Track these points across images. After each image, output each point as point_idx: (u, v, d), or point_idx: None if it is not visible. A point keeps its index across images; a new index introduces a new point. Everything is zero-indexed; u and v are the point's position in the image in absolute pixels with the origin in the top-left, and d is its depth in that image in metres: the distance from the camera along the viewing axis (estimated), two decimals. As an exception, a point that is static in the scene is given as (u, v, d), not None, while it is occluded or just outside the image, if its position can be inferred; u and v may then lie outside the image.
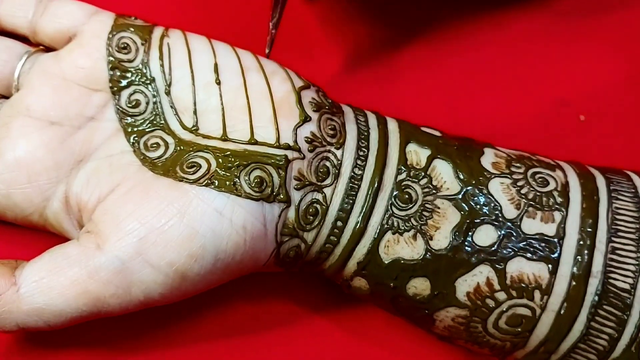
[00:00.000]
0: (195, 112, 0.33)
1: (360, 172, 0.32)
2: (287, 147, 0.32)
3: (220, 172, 0.31)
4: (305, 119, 0.32)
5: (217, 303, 0.36)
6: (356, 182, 0.32)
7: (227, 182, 0.31)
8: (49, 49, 0.35)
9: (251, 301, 0.37)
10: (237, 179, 0.31)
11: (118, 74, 0.33)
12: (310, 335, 0.37)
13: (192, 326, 0.36)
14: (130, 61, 0.33)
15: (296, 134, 0.32)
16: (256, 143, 0.32)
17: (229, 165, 0.31)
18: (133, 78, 0.33)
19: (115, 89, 0.33)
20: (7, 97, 0.35)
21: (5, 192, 0.32)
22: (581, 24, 0.43)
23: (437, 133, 0.34)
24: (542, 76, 0.42)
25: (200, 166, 0.31)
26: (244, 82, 0.33)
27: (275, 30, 0.34)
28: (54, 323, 0.30)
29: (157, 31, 0.34)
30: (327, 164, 0.32)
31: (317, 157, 0.32)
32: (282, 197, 0.31)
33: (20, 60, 0.34)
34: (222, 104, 0.33)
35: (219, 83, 0.33)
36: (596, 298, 0.30)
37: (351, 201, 0.32)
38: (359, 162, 0.32)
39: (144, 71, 0.33)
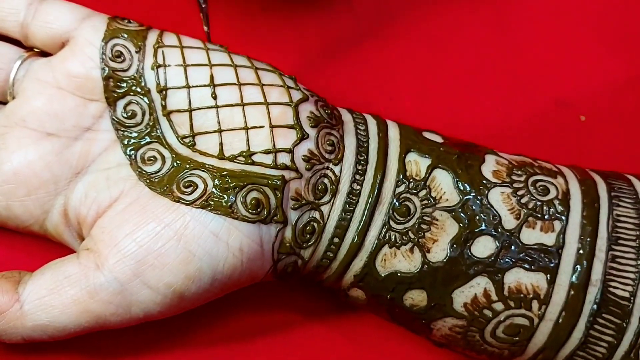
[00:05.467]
0: (191, 127, 0.32)
1: (358, 187, 0.32)
2: (284, 167, 0.31)
3: (216, 193, 0.31)
4: (303, 136, 0.32)
5: (216, 308, 0.36)
6: (354, 198, 0.32)
7: (224, 204, 0.31)
8: (43, 51, 0.35)
9: (250, 305, 0.37)
10: (233, 201, 0.31)
11: (112, 83, 0.33)
12: (309, 339, 0.37)
13: (192, 331, 0.36)
14: (124, 70, 0.33)
15: (293, 152, 0.32)
16: (253, 163, 0.31)
17: (226, 186, 0.31)
18: (128, 88, 0.33)
19: (111, 99, 0.33)
20: (4, 103, 0.34)
21: (5, 204, 0.32)
22: (581, 24, 0.43)
23: (439, 139, 0.34)
24: (542, 76, 0.42)
25: (196, 186, 0.31)
26: (241, 98, 0.32)
27: (206, 4, 0.32)
28: (57, 336, 0.31)
29: (151, 37, 0.33)
30: (325, 181, 0.32)
31: (315, 175, 0.32)
32: (278, 217, 0.31)
33: (14, 66, 0.34)
34: (218, 120, 0.32)
35: (215, 97, 0.32)
36: (595, 307, 0.30)
37: (348, 217, 0.32)
38: (357, 176, 0.32)
39: (139, 81, 0.33)
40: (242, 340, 0.36)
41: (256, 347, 0.36)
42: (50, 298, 0.30)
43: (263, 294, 0.37)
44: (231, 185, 0.31)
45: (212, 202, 0.31)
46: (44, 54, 0.35)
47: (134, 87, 0.33)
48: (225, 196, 0.31)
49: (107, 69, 0.33)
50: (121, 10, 0.35)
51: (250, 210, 0.31)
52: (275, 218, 0.31)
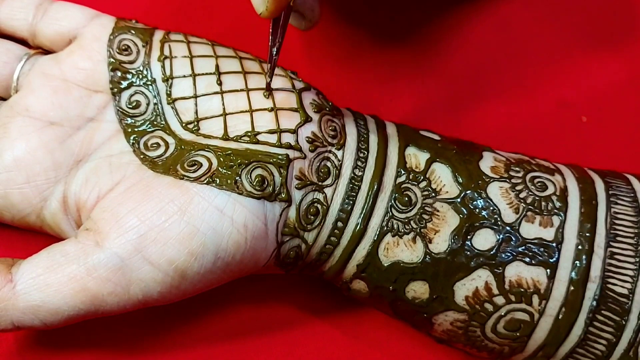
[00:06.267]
0: (196, 113, 0.33)
1: (360, 173, 0.32)
2: (289, 146, 0.32)
3: (221, 170, 0.31)
4: (307, 119, 0.32)
5: (217, 305, 0.36)
6: (356, 183, 0.32)
7: (229, 180, 0.31)
8: (47, 51, 0.35)
9: (251, 304, 0.37)
10: (238, 177, 0.31)
11: (119, 75, 0.33)
12: (310, 337, 0.37)
13: (192, 328, 0.36)
14: (131, 62, 0.34)
15: (297, 133, 0.32)
16: (258, 142, 0.32)
17: (231, 163, 0.31)
18: (134, 79, 0.33)
19: (116, 90, 0.33)
20: (5, 99, 0.35)
21: (2, 192, 0.32)
22: (583, 25, 0.43)
23: (436, 137, 0.34)
24: (543, 77, 0.42)
25: (201, 165, 0.31)
26: (245, 84, 0.33)
27: (277, 57, 0.32)
28: (51, 322, 0.30)
29: (158, 34, 0.35)
30: (328, 164, 0.32)
31: (318, 157, 0.32)
32: (283, 196, 0.31)
33: (20, 62, 0.34)
34: (223, 104, 0.33)
35: (220, 84, 0.33)
36: (594, 303, 0.30)
37: (351, 202, 0.32)
38: (359, 163, 0.32)
39: (145, 72, 0.33)
40: (241, 337, 0.36)
41: (256, 344, 0.36)
42: (46, 276, 0.29)
43: (263, 291, 0.37)
44: (236, 162, 0.31)
45: (217, 179, 0.31)
46: (49, 54, 0.35)
47: (139, 79, 0.33)
48: (230, 172, 0.31)
49: (113, 61, 0.33)
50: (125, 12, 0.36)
51: (255, 187, 0.31)
52: (280, 196, 0.31)
